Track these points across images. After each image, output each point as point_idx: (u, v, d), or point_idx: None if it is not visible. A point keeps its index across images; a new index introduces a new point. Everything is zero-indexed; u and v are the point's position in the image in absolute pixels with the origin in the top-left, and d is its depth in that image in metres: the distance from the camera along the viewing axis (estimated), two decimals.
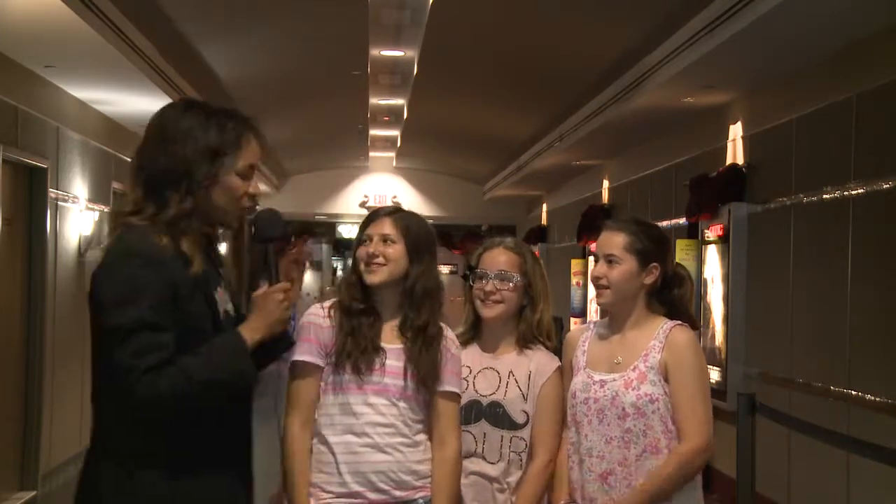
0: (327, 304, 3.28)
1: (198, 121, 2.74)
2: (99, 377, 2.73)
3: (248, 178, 2.82)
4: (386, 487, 3.17)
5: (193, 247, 2.74)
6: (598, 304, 3.38)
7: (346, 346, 3.14)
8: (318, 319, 3.24)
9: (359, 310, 3.20)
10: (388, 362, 3.20)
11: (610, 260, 3.31)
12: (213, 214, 2.77)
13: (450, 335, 3.31)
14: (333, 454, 3.17)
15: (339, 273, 27.13)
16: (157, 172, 2.71)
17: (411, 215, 3.30)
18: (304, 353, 3.16)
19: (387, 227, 3.23)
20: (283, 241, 3.15)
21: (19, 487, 7.75)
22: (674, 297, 3.36)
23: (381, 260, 3.20)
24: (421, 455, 3.22)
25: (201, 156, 2.71)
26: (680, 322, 3.32)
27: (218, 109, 2.79)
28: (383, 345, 3.20)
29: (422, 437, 3.24)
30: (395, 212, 3.30)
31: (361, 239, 3.26)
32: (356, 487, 3.17)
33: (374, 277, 3.20)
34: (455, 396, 3.27)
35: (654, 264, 3.30)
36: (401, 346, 3.22)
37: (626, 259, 3.29)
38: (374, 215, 3.29)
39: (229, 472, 2.79)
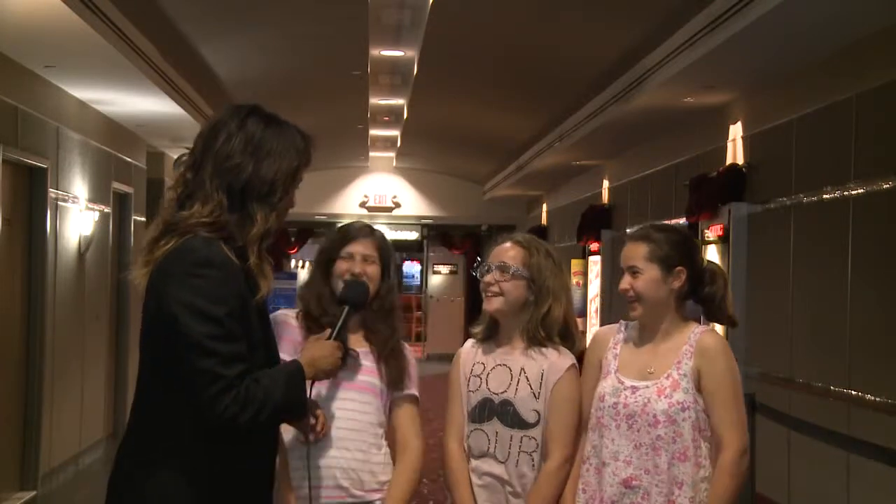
0: (292, 312, 3.35)
1: (283, 140, 2.75)
2: (151, 384, 2.69)
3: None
4: (346, 485, 3.23)
5: (263, 265, 2.73)
6: (632, 317, 3.35)
7: None
8: (289, 320, 3.34)
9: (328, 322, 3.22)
10: (361, 362, 3.29)
11: (634, 271, 3.31)
12: (274, 230, 2.77)
13: (405, 343, 3.44)
14: (303, 449, 3.19)
15: None
16: (242, 182, 2.69)
17: (381, 233, 3.43)
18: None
19: (369, 247, 3.34)
20: (359, 309, 3.24)
21: (19, 487, 7.76)
22: (706, 295, 3.35)
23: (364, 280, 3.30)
24: (382, 458, 3.31)
25: (285, 174, 2.73)
26: (709, 327, 3.33)
27: (290, 125, 2.81)
28: (353, 347, 3.27)
29: (383, 441, 3.34)
30: (373, 231, 3.40)
31: (341, 255, 3.32)
32: (316, 482, 3.22)
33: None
34: (415, 399, 3.39)
35: (680, 268, 3.30)
36: (368, 348, 3.33)
37: (648, 268, 3.29)
38: (357, 234, 3.36)
39: (264, 487, 2.82)
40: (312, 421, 2.88)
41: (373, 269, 3.32)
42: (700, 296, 3.36)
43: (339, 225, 3.53)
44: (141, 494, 2.64)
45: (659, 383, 3.24)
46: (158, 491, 2.62)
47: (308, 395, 2.84)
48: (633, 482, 3.21)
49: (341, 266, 3.31)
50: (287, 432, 3.18)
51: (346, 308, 3.14)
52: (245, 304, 2.65)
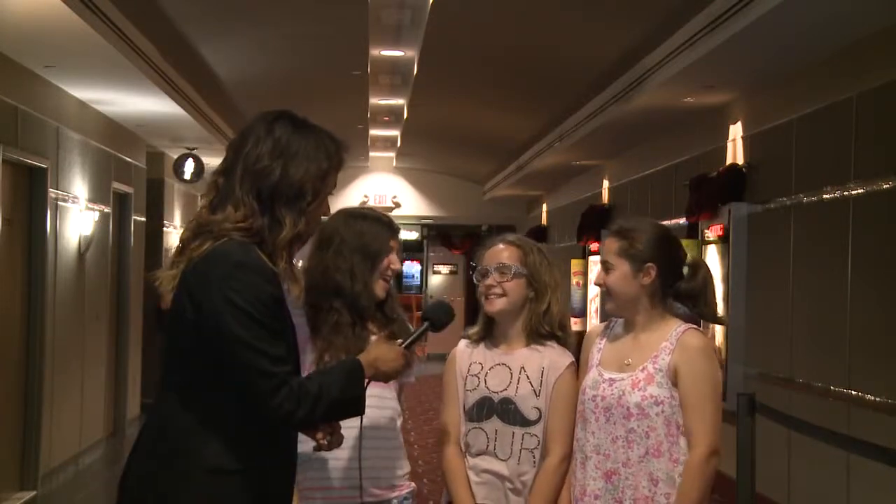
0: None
1: (312, 143, 2.76)
2: (180, 382, 2.67)
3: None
4: (363, 484, 3.25)
5: (292, 269, 2.74)
6: (606, 310, 3.42)
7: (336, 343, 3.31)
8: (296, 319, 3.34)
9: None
10: None
11: (606, 266, 3.36)
12: (305, 235, 2.79)
13: None
14: (353, 449, 3.22)
15: None
16: (271, 186, 2.70)
17: None
18: None
19: (398, 241, 3.49)
20: (437, 330, 3.32)
21: (19, 487, 7.76)
22: (684, 291, 3.36)
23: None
24: (398, 453, 3.37)
25: (314, 178, 2.74)
26: (693, 326, 3.33)
27: (319, 129, 2.82)
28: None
29: (400, 434, 3.39)
30: None
31: (387, 248, 3.42)
32: (331, 483, 3.26)
33: (384, 291, 3.42)
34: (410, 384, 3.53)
35: (650, 264, 3.31)
36: (376, 336, 3.37)
37: (619, 264, 3.33)
38: (391, 231, 3.48)
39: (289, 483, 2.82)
40: (327, 433, 2.85)
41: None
42: (679, 292, 3.37)
43: (357, 211, 3.58)
44: (169, 497, 2.62)
45: (634, 376, 3.26)
46: (192, 492, 2.60)
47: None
48: (613, 476, 3.23)
49: (385, 261, 3.40)
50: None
51: (427, 325, 3.21)
52: (282, 308, 2.68)
